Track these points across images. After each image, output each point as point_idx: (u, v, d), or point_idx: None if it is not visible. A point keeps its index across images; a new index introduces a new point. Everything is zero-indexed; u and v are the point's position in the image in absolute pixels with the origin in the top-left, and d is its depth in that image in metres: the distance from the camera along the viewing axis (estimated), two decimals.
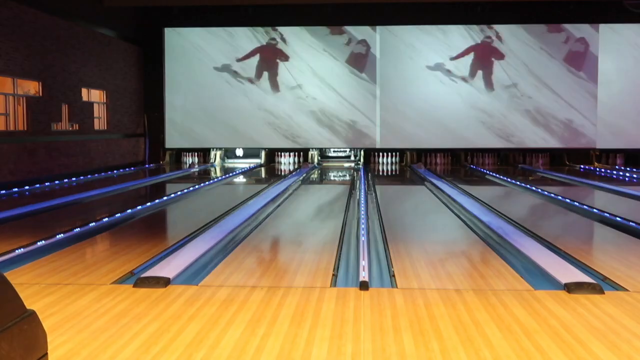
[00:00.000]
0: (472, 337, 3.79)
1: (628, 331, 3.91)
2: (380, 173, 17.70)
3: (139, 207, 9.55)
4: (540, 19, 18.67)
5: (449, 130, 19.13)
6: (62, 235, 7.03)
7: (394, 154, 19.75)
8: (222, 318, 4.16)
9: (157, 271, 5.22)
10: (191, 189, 12.40)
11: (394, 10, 18.49)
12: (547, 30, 18.95)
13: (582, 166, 18.38)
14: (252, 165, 19.11)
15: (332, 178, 16.58)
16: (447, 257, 6.24)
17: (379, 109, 19.23)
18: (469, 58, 19.09)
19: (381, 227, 7.76)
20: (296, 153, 19.83)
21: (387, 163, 19.63)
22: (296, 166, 18.90)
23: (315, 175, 16.96)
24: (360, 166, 18.37)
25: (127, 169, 17.27)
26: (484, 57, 19.07)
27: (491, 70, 19.08)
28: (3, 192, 11.39)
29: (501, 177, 15.03)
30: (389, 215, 8.99)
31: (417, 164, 18.64)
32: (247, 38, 19.37)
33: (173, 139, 19.62)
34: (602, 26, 18.81)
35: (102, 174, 15.53)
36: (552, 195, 11.01)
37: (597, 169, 17.81)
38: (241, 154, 20.01)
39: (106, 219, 8.38)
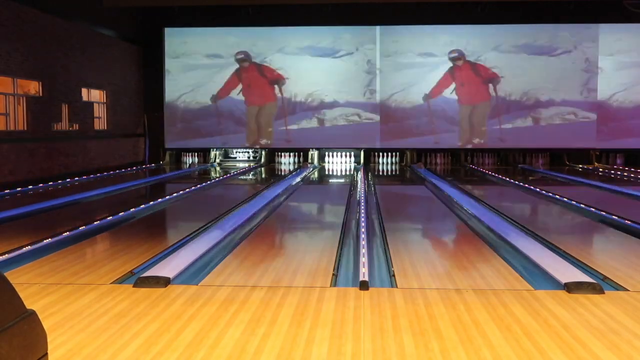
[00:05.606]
0: (472, 337, 3.79)
1: (628, 331, 3.90)
2: (380, 173, 17.70)
3: (139, 207, 9.54)
4: (540, 18, 18.67)
5: (450, 130, 19.13)
6: (62, 235, 7.02)
7: (394, 154, 19.75)
8: (222, 318, 4.15)
9: (157, 271, 5.21)
10: (192, 188, 12.39)
11: (395, 9, 18.49)
12: (547, 30, 18.94)
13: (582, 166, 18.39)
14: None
15: (332, 178, 16.57)
16: (447, 256, 6.24)
17: (379, 109, 19.22)
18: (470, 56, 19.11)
19: (381, 227, 7.76)
20: (296, 153, 19.83)
21: (387, 163, 19.62)
22: (296, 166, 18.90)
23: (315, 175, 16.96)
24: (361, 166, 18.37)
25: (127, 169, 17.26)
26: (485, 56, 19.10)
27: (492, 69, 19.10)
28: (3, 192, 11.39)
29: (501, 177, 15.03)
30: (389, 215, 8.99)
31: (417, 164, 18.64)
32: (247, 38, 19.37)
33: (173, 139, 19.61)
34: (602, 26, 18.80)
35: (102, 174, 15.52)
36: (552, 195, 11.01)
37: (598, 169, 17.80)
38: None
39: (106, 219, 8.38)
